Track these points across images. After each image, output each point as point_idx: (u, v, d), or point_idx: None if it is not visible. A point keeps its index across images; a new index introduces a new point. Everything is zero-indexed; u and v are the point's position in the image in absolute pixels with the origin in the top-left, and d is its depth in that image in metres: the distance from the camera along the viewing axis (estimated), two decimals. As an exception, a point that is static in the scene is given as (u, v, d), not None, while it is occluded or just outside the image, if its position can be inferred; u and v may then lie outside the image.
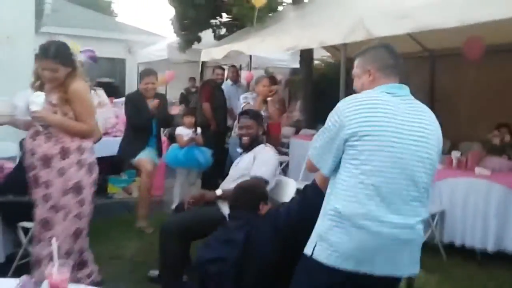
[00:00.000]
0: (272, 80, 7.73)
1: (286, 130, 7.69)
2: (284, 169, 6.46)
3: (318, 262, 1.75)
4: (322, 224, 1.79)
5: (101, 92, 6.84)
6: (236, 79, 7.49)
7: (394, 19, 3.58)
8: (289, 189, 3.14)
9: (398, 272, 1.79)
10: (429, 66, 6.76)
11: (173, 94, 11.03)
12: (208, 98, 6.39)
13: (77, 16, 13.84)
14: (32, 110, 2.62)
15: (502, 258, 3.79)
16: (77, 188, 2.72)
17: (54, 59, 2.64)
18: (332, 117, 1.82)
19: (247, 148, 3.31)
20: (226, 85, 7.20)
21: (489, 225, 3.79)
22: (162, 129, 5.99)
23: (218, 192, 3.07)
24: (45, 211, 2.68)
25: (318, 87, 7.99)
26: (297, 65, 8.51)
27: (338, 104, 1.84)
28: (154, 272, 3.27)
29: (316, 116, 7.73)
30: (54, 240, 1.61)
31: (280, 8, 7.93)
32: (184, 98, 10.32)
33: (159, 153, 4.64)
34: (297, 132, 7.41)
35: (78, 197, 2.73)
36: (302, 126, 7.61)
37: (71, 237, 2.71)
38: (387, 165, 1.70)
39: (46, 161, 2.67)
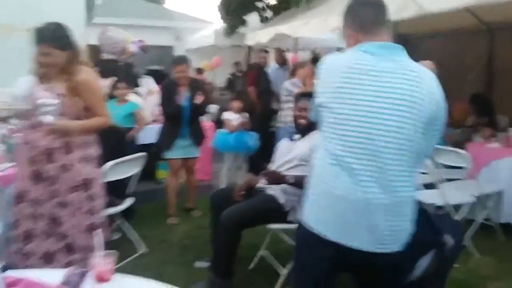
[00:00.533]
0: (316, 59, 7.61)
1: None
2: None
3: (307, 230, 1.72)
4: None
5: (150, 80, 7.01)
6: (282, 62, 7.39)
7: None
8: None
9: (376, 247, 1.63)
10: (487, 40, 6.37)
11: (220, 80, 11.11)
12: (253, 82, 6.38)
13: (127, 5, 14.13)
14: (47, 122, 2.48)
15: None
16: (86, 184, 2.61)
17: (50, 42, 2.46)
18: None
19: (304, 132, 3.12)
20: (272, 68, 7.14)
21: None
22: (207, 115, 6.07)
23: (290, 178, 2.93)
24: (51, 207, 2.57)
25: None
26: (344, 44, 8.27)
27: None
28: (201, 263, 3.30)
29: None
30: (99, 231, 1.63)
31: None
32: (231, 83, 10.37)
33: (196, 142, 4.48)
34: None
35: (87, 192, 2.62)
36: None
37: (85, 233, 2.59)
38: (352, 135, 1.60)
39: (50, 155, 2.54)
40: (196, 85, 4.43)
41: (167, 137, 4.39)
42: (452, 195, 3.56)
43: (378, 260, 1.65)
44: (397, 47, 1.67)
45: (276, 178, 2.98)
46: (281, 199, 2.91)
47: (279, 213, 2.90)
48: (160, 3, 23.70)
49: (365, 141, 1.60)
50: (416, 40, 6.94)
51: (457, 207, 3.70)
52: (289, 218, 2.92)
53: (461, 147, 4.22)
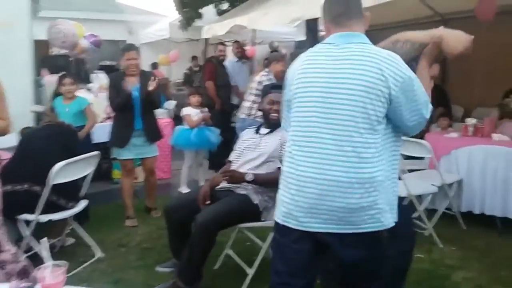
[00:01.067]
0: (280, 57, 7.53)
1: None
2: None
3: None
4: None
5: (102, 75, 6.72)
6: (241, 55, 7.26)
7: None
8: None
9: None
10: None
11: (176, 75, 10.86)
12: (211, 76, 6.21)
13: (77, -1, 13.58)
14: None
15: None
16: None
17: None
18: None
19: (274, 126, 2.93)
20: (231, 62, 6.99)
21: (509, 192, 3.65)
22: (164, 111, 5.86)
23: (249, 177, 2.76)
24: None
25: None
26: (303, 38, 8.26)
27: None
28: (163, 268, 3.14)
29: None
30: (44, 240, 1.47)
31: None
32: (188, 78, 10.14)
33: (151, 139, 4.16)
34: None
35: None
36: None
37: None
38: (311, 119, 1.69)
39: None
40: (147, 76, 4.06)
41: (119, 135, 4.08)
42: (414, 185, 3.56)
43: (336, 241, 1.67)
44: (357, 34, 1.72)
45: (235, 178, 2.82)
46: (255, 199, 2.79)
47: (254, 213, 2.78)
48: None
49: (321, 120, 1.67)
50: (375, 31, 7.01)
51: (419, 198, 3.72)
52: (263, 218, 2.81)
53: (420, 138, 4.25)
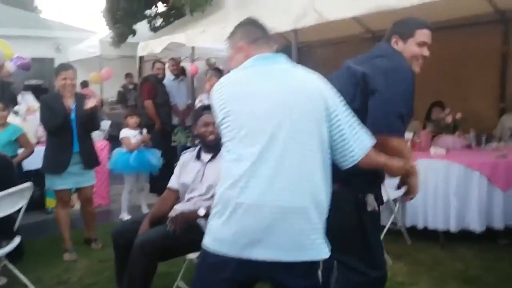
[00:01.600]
0: (219, 73, 7.47)
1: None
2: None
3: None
4: None
5: (29, 96, 6.29)
6: (177, 72, 7.11)
7: (346, 1, 3.42)
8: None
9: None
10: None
11: (109, 93, 10.46)
12: (150, 95, 6.00)
13: (-2, 14, 12.80)
14: None
15: (465, 237, 3.80)
16: None
17: None
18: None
19: (213, 149, 2.82)
20: (168, 80, 6.80)
21: (450, 205, 3.78)
22: (99, 132, 5.57)
23: (201, 212, 2.64)
24: None
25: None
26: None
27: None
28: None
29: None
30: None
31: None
32: (122, 96, 9.79)
33: (89, 165, 3.92)
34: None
35: None
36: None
37: None
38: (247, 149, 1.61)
39: None
40: (82, 97, 3.86)
41: (55, 160, 3.77)
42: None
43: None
44: (277, 55, 1.76)
45: (188, 219, 2.66)
46: (204, 226, 2.66)
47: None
48: (36, 12, 21.93)
49: (265, 145, 1.59)
50: (310, 48, 7.16)
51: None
52: None
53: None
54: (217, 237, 1.62)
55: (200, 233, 2.60)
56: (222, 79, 1.76)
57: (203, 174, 2.81)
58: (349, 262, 2.14)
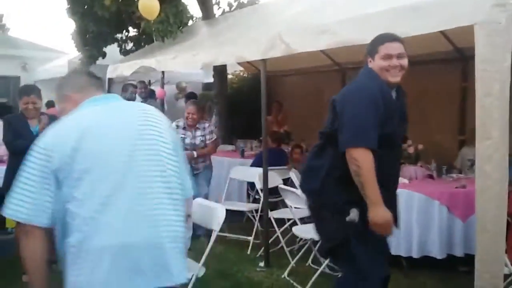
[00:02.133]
0: (191, 97, 7.53)
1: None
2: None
3: None
4: None
5: (-7, 115, 6.12)
6: (145, 95, 7.13)
7: (313, 34, 3.55)
8: (217, 216, 2.92)
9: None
10: (340, 78, 6.97)
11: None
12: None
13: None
14: None
15: (427, 264, 3.89)
16: None
17: None
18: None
19: None
20: (136, 102, 6.81)
21: (412, 233, 3.88)
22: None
23: None
24: None
25: (233, 101, 7.88)
26: (210, 80, 8.34)
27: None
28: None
29: (232, 131, 7.60)
30: None
31: (190, 22, 7.73)
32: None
33: None
34: (214, 149, 7.19)
35: None
36: (219, 142, 7.41)
37: None
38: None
39: None
40: (48, 118, 3.81)
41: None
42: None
43: None
44: (108, 95, 1.87)
45: None
46: None
47: None
48: (4, 30, 21.50)
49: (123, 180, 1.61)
50: (278, 77, 7.31)
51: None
52: None
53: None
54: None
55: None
56: (59, 125, 1.69)
57: None
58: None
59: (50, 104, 9.46)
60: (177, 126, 4.90)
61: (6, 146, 3.85)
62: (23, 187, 1.60)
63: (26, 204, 1.57)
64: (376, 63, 2.32)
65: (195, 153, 4.81)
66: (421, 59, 5.37)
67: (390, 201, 2.34)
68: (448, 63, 5.60)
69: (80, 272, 1.55)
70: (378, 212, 2.18)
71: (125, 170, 1.61)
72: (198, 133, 4.89)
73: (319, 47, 3.54)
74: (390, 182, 2.41)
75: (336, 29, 3.28)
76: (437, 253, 3.80)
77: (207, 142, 4.91)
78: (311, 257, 3.99)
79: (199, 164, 4.91)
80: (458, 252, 3.81)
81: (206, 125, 4.96)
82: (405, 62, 2.31)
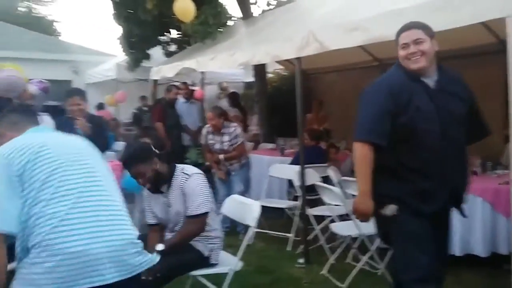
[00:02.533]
0: (234, 96, 7.65)
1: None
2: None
3: None
4: None
5: (46, 118, 6.50)
6: (188, 96, 7.33)
7: (345, 31, 3.55)
8: (252, 212, 2.98)
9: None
10: (380, 74, 6.85)
11: (125, 115, 10.70)
12: (160, 118, 6.21)
13: (18, 37, 13.24)
14: None
15: (470, 262, 3.80)
16: None
17: None
18: None
19: (159, 190, 2.91)
20: (179, 103, 7.02)
21: (455, 230, 3.73)
22: (113, 153, 5.73)
23: (160, 247, 2.61)
24: None
25: (273, 100, 7.94)
26: (251, 79, 8.44)
27: None
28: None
29: (273, 129, 7.66)
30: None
31: (230, 23, 7.85)
32: (137, 118, 10.01)
33: None
34: (255, 147, 7.30)
35: None
36: (261, 140, 7.51)
37: None
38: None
39: None
40: (95, 121, 4.06)
41: None
42: (365, 225, 3.64)
43: None
44: (44, 127, 2.04)
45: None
46: (198, 245, 2.80)
47: (200, 259, 2.80)
48: (55, 35, 22.58)
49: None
50: (317, 75, 7.30)
51: (370, 237, 3.81)
52: (211, 261, 2.85)
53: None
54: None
55: (196, 250, 2.74)
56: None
57: (168, 208, 2.92)
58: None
59: (100, 107, 9.91)
60: (207, 132, 5.01)
61: None
62: None
63: None
64: (399, 55, 2.36)
65: (221, 156, 4.89)
66: (463, 53, 5.22)
67: (436, 193, 2.30)
68: (491, 56, 5.39)
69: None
70: (362, 200, 2.31)
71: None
72: (226, 138, 4.89)
73: (351, 44, 3.53)
74: (432, 172, 2.30)
75: (367, 26, 3.28)
76: (481, 251, 3.71)
77: (234, 146, 4.90)
78: (351, 254, 4.00)
79: (234, 165, 4.98)
80: (503, 250, 3.70)
81: (232, 129, 4.92)
82: (424, 46, 2.28)
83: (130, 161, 2.81)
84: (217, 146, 4.93)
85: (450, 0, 2.76)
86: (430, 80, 2.33)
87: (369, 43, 3.46)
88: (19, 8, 23.81)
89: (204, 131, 5.11)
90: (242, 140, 4.98)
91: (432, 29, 2.36)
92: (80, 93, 4.05)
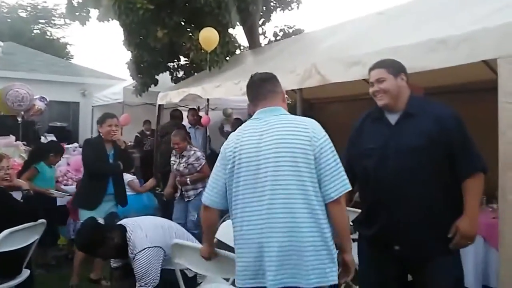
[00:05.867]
0: (238, 122, 7.77)
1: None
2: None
3: None
4: None
5: (51, 138, 6.65)
6: (195, 122, 7.46)
7: (346, 65, 3.69)
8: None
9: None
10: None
11: (128, 138, 10.82)
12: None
13: (30, 59, 13.55)
14: None
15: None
16: None
17: None
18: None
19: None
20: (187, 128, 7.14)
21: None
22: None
23: None
24: None
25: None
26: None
27: None
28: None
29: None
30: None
31: (238, 51, 8.06)
32: (139, 141, 10.13)
33: (120, 201, 4.21)
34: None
35: None
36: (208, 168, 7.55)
37: None
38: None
39: None
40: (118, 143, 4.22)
41: (90, 198, 4.05)
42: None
43: None
44: (274, 108, 2.16)
45: None
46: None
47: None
48: (68, 58, 23.05)
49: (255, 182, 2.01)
50: (321, 104, 7.43)
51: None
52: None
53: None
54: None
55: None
56: (234, 133, 2.19)
57: None
58: None
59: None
60: (172, 154, 5.16)
61: (85, 166, 4.22)
62: None
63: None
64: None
65: (188, 180, 4.97)
66: (463, 88, 5.33)
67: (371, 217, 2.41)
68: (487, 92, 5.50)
69: None
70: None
71: None
72: (183, 160, 5.00)
73: (351, 78, 3.66)
74: (383, 204, 2.35)
75: (366, 61, 3.41)
76: (472, 284, 3.73)
77: (198, 168, 5.00)
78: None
79: (188, 192, 5.04)
80: (494, 284, 3.71)
81: (191, 153, 5.03)
82: (384, 85, 2.37)
83: (88, 249, 2.92)
84: (175, 166, 5.06)
85: (444, 40, 2.88)
86: (394, 116, 2.39)
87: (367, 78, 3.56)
88: (34, 31, 24.37)
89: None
90: (204, 163, 5.04)
91: (399, 66, 2.44)
92: (116, 117, 4.24)
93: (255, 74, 2.25)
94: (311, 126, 2.07)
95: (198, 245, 2.64)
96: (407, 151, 2.28)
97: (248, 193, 1.99)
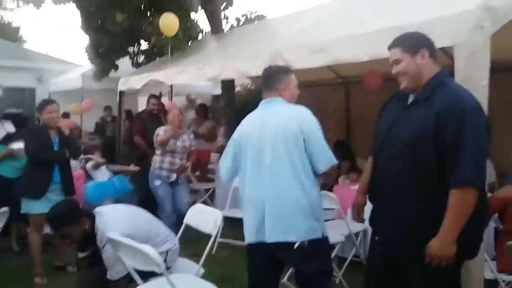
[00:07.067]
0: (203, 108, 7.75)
1: (212, 156, 7.69)
2: (211, 196, 6.42)
3: None
4: None
5: (8, 124, 6.42)
6: (160, 110, 7.34)
7: (309, 52, 3.76)
8: (212, 219, 3.10)
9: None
10: (344, 91, 7.16)
11: (89, 124, 10.59)
12: (139, 131, 6.21)
13: (-21, 43, 12.91)
14: None
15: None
16: None
17: None
18: None
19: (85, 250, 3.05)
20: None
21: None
22: (76, 162, 5.73)
23: None
24: None
25: (240, 113, 8.08)
26: (219, 92, 8.58)
27: None
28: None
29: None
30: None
31: (200, 36, 7.99)
32: (100, 128, 9.93)
33: (69, 193, 4.11)
34: (221, 158, 7.38)
35: None
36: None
37: None
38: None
39: None
40: (61, 131, 4.12)
41: (34, 186, 3.96)
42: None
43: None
44: (274, 100, 2.70)
45: None
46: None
47: None
48: (21, 42, 22.07)
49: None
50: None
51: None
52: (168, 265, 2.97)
53: (329, 189, 4.60)
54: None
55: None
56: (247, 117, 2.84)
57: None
58: None
59: (65, 115, 9.76)
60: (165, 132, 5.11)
61: (28, 156, 4.08)
62: None
63: None
64: None
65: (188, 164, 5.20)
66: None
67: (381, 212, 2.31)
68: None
69: None
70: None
71: None
72: (185, 137, 5.26)
73: (315, 65, 3.74)
74: (382, 189, 2.29)
75: (329, 48, 3.51)
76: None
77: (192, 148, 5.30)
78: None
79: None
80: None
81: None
82: (400, 67, 2.16)
83: (56, 222, 2.88)
84: (178, 143, 5.12)
85: (402, 28, 2.98)
86: (411, 97, 2.20)
87: (330, 64, 3.66)
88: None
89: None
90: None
91: (418, 40, 2.18)
92: (57, 103, 4.15)
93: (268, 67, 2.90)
94: (302, 114, 2.59)
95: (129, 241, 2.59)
96: (401, 144, 2.11)
97: (253, 169, 2.60)
